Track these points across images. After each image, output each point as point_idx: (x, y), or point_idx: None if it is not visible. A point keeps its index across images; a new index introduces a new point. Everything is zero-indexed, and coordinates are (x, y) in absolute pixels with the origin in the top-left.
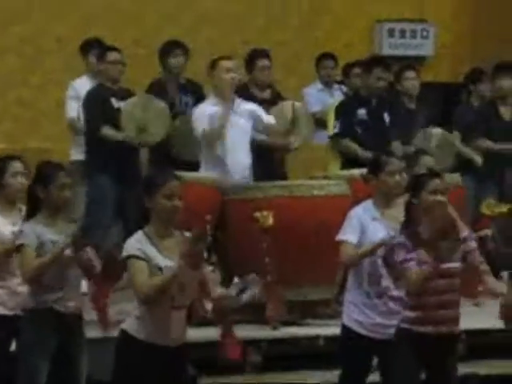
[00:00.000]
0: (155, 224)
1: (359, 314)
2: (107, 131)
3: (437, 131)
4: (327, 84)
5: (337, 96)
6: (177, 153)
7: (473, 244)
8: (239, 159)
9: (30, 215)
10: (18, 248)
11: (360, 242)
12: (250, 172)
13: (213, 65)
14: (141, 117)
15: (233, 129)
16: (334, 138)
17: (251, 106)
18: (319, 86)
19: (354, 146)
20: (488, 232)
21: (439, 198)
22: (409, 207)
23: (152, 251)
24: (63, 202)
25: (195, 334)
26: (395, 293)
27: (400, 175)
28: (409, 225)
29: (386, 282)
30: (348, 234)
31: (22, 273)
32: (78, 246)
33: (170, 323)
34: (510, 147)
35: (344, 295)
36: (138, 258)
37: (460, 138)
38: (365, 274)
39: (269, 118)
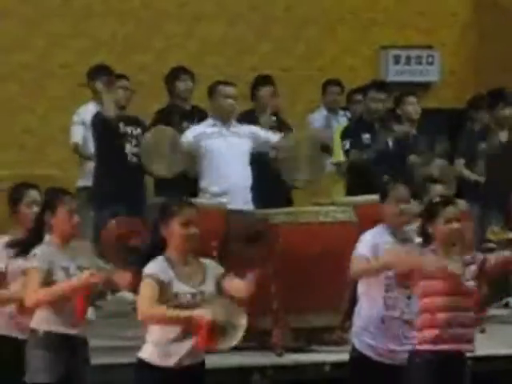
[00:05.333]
0: (172, 251)
1: (372, 338)
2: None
3: (439, 161)
4: (333, 110)
5: (342, 122)
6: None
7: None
8: (235, 180)
9: (34, 242)
10: (27, 270)
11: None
12: (250, 194)
13: (211, 89)
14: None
15: (228, 149)
16: (347, 153)
17: (250, 128)
18: (324, 112)
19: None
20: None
21: (455, 226)
22: (423, 234)
23: (170, 276)
24: (72, 228)
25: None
26: (407, 316)
27: (406, 203)
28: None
29: (402, 304)
30: (359, 249)
31: (26, 297)
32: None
33: (183, 346)
34: None
35: (353, 320)
36: (152, 278)
37: (464, 164)
38: (379, 297)
39: (269, 135)
